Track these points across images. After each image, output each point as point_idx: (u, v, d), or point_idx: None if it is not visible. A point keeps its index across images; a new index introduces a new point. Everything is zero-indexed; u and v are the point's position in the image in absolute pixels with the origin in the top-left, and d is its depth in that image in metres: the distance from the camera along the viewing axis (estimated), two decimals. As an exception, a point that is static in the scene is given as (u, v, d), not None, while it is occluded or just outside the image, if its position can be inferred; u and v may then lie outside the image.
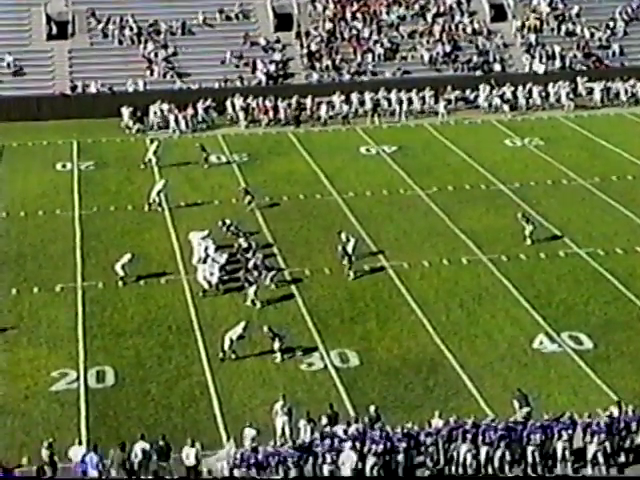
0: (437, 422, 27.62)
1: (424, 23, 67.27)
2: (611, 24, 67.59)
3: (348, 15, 67.36)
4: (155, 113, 58.26)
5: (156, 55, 63.37)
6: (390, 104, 60.21)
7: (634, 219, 43.33)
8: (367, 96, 59.74)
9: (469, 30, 66.94)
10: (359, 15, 67.32)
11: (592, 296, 36.54)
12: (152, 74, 62.44)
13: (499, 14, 69.00)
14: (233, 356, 32.31)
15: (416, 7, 68.35)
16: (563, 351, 32.94)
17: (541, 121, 59.10)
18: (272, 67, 63.24)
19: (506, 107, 60.09)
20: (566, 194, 46.76)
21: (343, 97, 59.55)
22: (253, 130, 57.83)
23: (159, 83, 62.03)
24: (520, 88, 61.23)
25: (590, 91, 62.32)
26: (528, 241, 40.83)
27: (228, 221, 41.53)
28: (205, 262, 38.02)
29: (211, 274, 37.23)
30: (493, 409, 29.18)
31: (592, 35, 66.76)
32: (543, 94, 61.45)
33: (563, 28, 67.39)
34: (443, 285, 37.68)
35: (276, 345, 32.69)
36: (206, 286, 37.11)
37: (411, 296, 36.71)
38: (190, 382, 31.34)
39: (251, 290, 36.50)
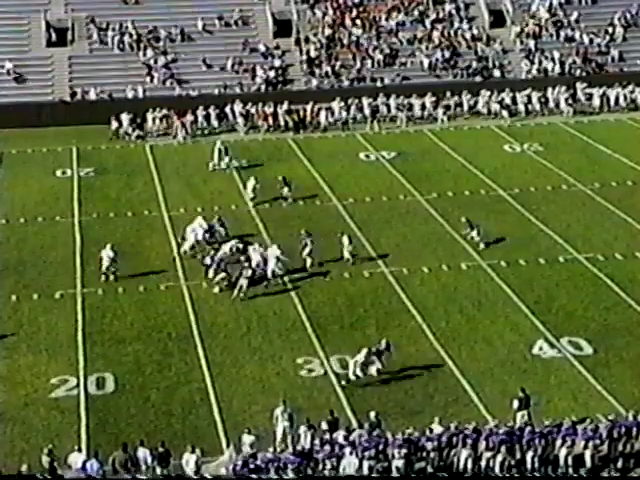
0: (437, 428, 27.65)
1: (423, 29, 67.31)
2: (610, 30, 67.62)
3: (347, 21, 67.40)
4: (153, 120, 58.27)
5: (155, 62, 63.43)
6: (389, 110, 60.26)
7: (634, 224, 43.35)
8: (365, 102, 59.77)
9: (468, 36, 66.98)
10: (358, 21, 67.34)
11: (592, 302, 36.56)
12: (152, 81, 62.47)
13: (498, 20, 69.04)
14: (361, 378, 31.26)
15: (415, 13, 68.39)
16: (563, 357, 32.96)
17: (540, 127, 59.13)
18: (272, 73, 63.29)
19: (505, 113, 60.12)
20: (566, 200, 46.78)
21: (343, 103, 59.57)
22: (253, 136, 57.86)
23: (159, 90, 62.07)
24: (519, 94, 61.27)
25: (589, 97, 62.35)
26: (482, 245, 41.02)
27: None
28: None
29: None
30: (493, 415, 29.18)
31: (591, 41, 66.80)
32: (542, 100, 61.48)
33: (562, 34, 67.44)
34: (443, 291, 37.70)
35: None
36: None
37: (411, 302, 36.72)
38: (190, 388, 31.35)
39: (244, 281, 37.09)
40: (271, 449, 27.02)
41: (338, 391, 30.98)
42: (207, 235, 41.04)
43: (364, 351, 31.37)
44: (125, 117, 57.71)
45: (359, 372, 31.20)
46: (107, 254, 38.66)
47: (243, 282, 37.34)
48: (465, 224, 41.96)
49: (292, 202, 46.23)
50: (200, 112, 58.54)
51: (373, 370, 31.22)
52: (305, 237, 39.88)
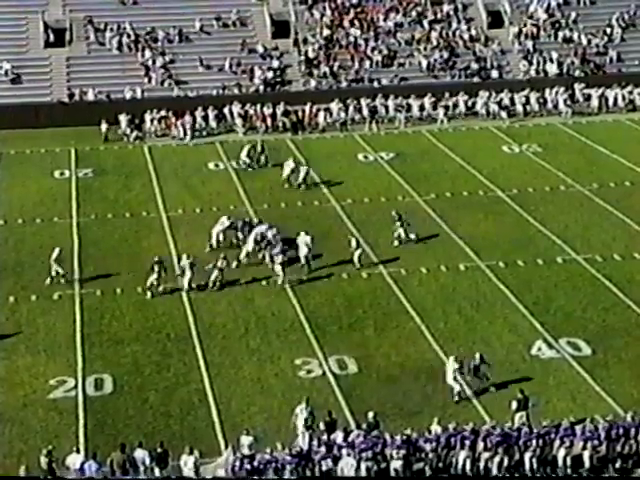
0: (436, 429, 27.64)
1: (421, 30, 67.34)
2: (608, 30, 67.68)
3: (345, 22, 67.43)
4: (152, 121, 58.25)
5: (154, 62, 63.42)
6: (388, 111, 60.28)
7: (632, 225, 43.36)
8: (364, 103, 59.78)
9: (466, 37, 67.01)
10: (356, 22, 67.37)
11: (590, 302, 36.56)
12: (150, 82, 62.48)
13: (496, 21, 69.09)
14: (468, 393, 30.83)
15: (413, 14, 68.42)
16: (561, 357, 32.96)
17: (539, 127, 59.15)
18: (270, 74, 63.28)
19: (504, 114, 60.14)
20: (564, 200, 46.80)
21: (341, 104, 59.56)
22: (251, 137, 57.85)
23: (157, 90, 62.06)
24: (517, 94, 61.30)
25: (588, 97, 62.37)
26: (395, 242, 41.27)
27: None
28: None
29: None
30: (491, 416, 29.15)
31: (589, 42, 66.85)
32: (541, 100, 61.50)
33: (560, 35, 67.50)
34: (441, 291, 37.70)
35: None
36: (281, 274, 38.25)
37: (409, 303, 36.72)
38: (188, 389, 31.33)
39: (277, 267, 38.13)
40: (268, 450, 26.96)
41: (336, 392, 30.96)
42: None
43: (452, 360, 31.02)
44: (123, 118, 57.70)
45: (467, 390, 30.69)
46: (55, 258, 38.41)
47: (278, 269, 38.03)
48: (394, 217, 41.90)
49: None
50: (198, 113, 58.54)
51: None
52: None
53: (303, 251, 39.46)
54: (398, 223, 41.71)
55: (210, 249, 40.83)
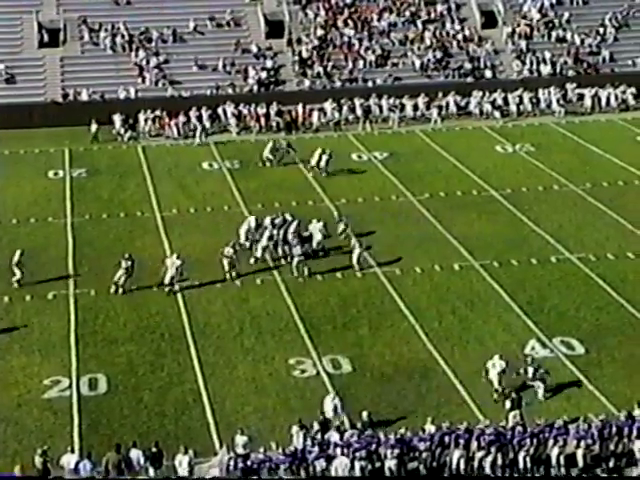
0: (430, 428, 27.70)
1: (415, 30, 67.43)
2: (601, 30, 67.83)
3: (339, 22, 67.49)
4: (146, 120, 58.25)
5: (147, 62, 63.42)
6: (382, 111, 60.35)
7: (625, 225, 43.47)
8: (357, 103, 59.84)
9: (460, 37, 67.10)
10: (350, 22, 67.44)
11: (584, 302, 36.65)
12: (144, 82, 62.48)
13: (489, 21, 69.20)
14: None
15: (407, 14, 68.51)
16: (555, 357, 33.03)
17: (532, 127, 59.26)
18: (264, 74, 63.32)
19: (497, 113, 60.23)
20: (557, 200, 46.90)
21: (335, 104, 59.62)
22: (245, 137, 57.88)
23: (151, 90, 62.06)
24: (511, 94, 61.40)
25: (581, 97, 62.49)
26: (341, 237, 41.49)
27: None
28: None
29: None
30: (485, 415, 29.23)
31: (582, 41, 66.99)
32: (534, 100, 61.62)
33: (553, 34, 67.63)
34: (435, 291, 37.76)
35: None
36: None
37: (403, 302, 36.78)
38: (183, 389, 31.35)
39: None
40: (262, 449, 27.00)
41: (331, 391, 30.97)
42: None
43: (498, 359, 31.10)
44: (117, 118, 57.70)
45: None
46: (16, 260, 38.39)
47: (298, 260, 38.67)
48: (338, 216, 42.10)
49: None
50: (192, 113, 58.57)
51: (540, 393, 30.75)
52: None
53: (317, 238, 40.57)
54: (340, 220, 42.07)
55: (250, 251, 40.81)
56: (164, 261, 38.56)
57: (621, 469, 27.48)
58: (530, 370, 30.97)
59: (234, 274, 38.70)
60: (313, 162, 50.72)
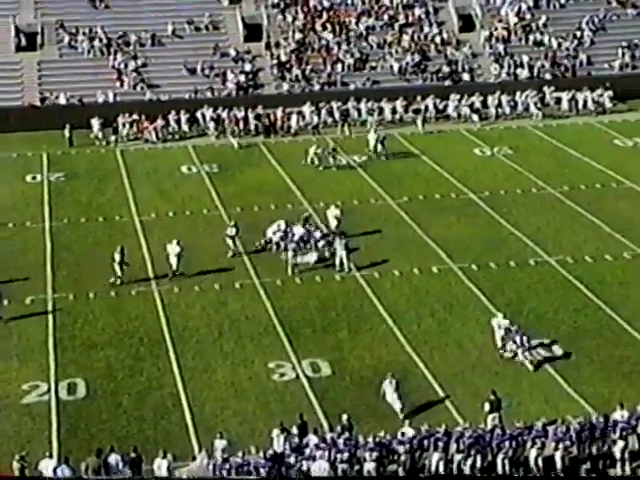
0: (409, 431, 27.74)
1: (393, 33, 67.55)
2: (578, 34, 68.11)
3: (318, 26, 67.54)
4: (124, 124, 58.12)
5: (126, 66, 63.30)
6: (360, 114, 60.43)
7: (602, 227, 43.67)
8: (335, 106, 59.90)
9: (438, 40, 67.28)
10: (328, 25, 67.50)
11: (562, 304, 36.79)
12: (122, 85, 62.37)
13: (467, 24, 69.40)
14: None
15: (385, 17, 68.64)
16: (533, 359, 33.12)
17: (510, 130, 59.44)
18: (242, 78, 63.31)
19: (475, 117, 60.40)
20: (535, 203, 47.06)
21: (313, 107, 59.65)
22: (224, 141, 57.85)
23: (129, 94, 61.94)
24: (489, 97, 61.60)
25: (558, 100, 62.75)
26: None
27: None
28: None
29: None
30: (464, 417, 29.30)
31: (559, 45, 67.27)
32: (512, 103, 61.83)
33: (531, 38, 67.89)
34: (414, 294, 37.83)
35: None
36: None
37: (382, 305, 36.83)
38: (162, 393, 31.30)
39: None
40: (240, 454, 26.95)
41: (310, 395, 31.02)
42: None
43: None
44: (95, 122, 57.49)
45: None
46: None
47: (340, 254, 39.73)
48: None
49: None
50: (171, 117, 58.50)
51: None
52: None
53: (333, 224, 42.44)
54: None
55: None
56: (165, 247, 39.40)
57: (600, 470, 27.58)
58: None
59: (235, 253, 40.31)
60: (371, 146, 53.78)
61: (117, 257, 38.52)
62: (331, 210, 43.32)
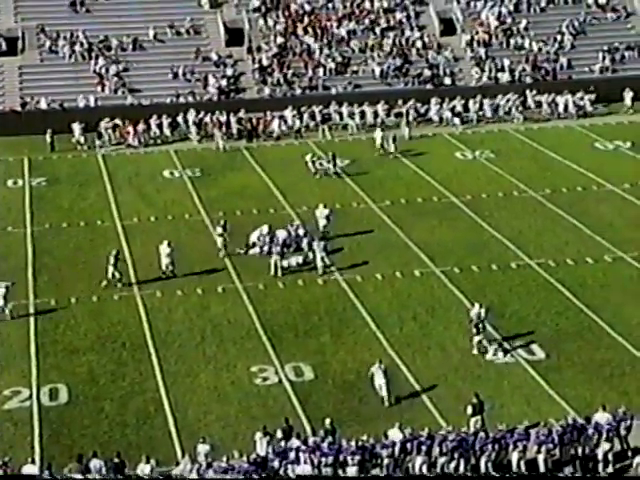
0: (395, 434, 27.73)
1: (374, 37, 67.64)
2: (558, 37, 68.37)
3: (299, 30, 67.57)
4: (106, 129, 57.98)
5: (107, 71, 63.18)
6: (342, 118, 60.47)
7: (584, 230, 43.83)
8: (317, 110, 59.92)
9: (419, 44, 67.39)
10: (310, 30, 67.54)
11: (544, 307, 36.91)
12: (103, 90, 62.23)
13: (448, 28, 69.54)
14: None
15: (366, 21, 68.72)
16: (515, 362, 33.23)
17: (491, 134, 59.60)
18: (224, 82, 63.29)
19: (457, 120, 60.51)
20: (517, 206, 47.20)
21: (295, 111, 59.67)
22: (206, 145, 57.80)
23: (110, 99, 61.82)
24: (471, 101, 61.76)
25: (539, 104, 62.95)
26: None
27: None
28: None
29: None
30: (447, 420, 29.36)
31: (540, 49, 67.48)
32: (493, 107, 61.98)
33: (512, 42, 68.10)
34: (396, 297, 37.88)
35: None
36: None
37: (365, 309, 36.87)
38: (144, 398, 31.25)
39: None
40: (224, 458, 26.92)
41: (293, 399, 31.02)
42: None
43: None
44: (77, 127, 57.34)
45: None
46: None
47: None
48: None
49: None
50: (153, 121, 58.41)
51: None
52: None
53: (322, 223, 42.81)
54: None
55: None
56: (158, 248, 39.80)
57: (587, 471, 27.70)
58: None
59: (225, 252, 40.61)
60: (377, 144, 54.91)
61: (112, 260, 38.65)
62: (320, 210, 43.46)
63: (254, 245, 41.56)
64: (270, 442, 27.58)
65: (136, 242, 43.04)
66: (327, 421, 28.40)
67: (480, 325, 33.92)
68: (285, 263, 39.97)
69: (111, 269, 38.68)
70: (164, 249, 39.65)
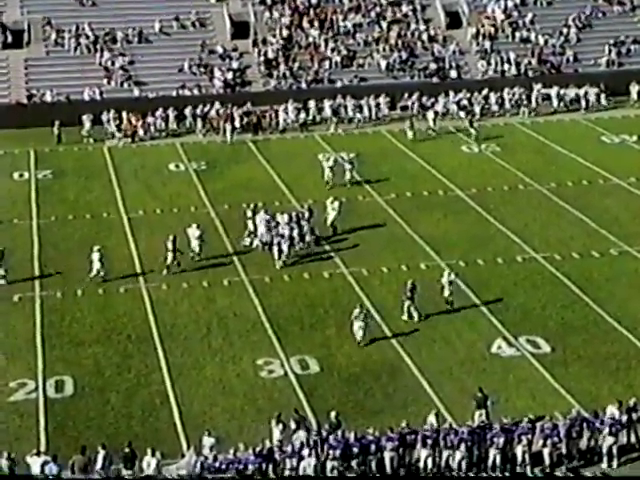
0: (433, 420, 27.75)
1: (380, 30, 67.57)
2: (565, 31, 68.26)
3: (305, 23, 67.50)
4: (109, 121, 57.96)
5: (113, 64, 63.18)
6: (347, 111, 60.42)
7: (589, 223, 43.80)
8: (327, 103, 59.83)
9: (425, 37, 67.31)
10: (316, 23, 67.47)
11: (549, 300, 36.90)
12: (109, 83, 62.22)
13: (454, 21, 69.47)
14: None
15: (372, 15, 68.64)
16: (521, 355, 33.24)
17: (497, 127, 59.52)
18: (229, 75, 63.26)
19: (462, 113, 60.42)
20: (522, 199, 47.17)
21: (301, 105, 59.62)
22: (211, 138, 57.80)
23: (116, 92, 61.82)
24: (476, 94, 61.67)
25: (545, 97, 62.85)
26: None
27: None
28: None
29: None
30: (452, 414, 29.39)
31: (546, 42, 67.38)
32: (499, 100, 61.89)
33: (517, 35, 68.00)
34: (402, 291, 37.81)
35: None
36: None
37: (370, 302, 36.86)
38: (150, 391, 31.29)
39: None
40: (231, 450, 26.97)
41: (298, 392, 31.05)
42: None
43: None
44: (86, 119, 57.29)
45: None
46: None
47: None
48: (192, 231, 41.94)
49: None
50: (159, 114, 58.40)
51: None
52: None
53: (331, 216, 42.73)
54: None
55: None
56: (185, 231, 40.11)
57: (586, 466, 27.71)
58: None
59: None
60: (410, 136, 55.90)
61: (170, 246, 38.90)
62: (330, 202, 43.21)
63: (256, 232, 41.41)
64: (283, 432, 27.56)
65: (141, 234, 43.07)
66: (332, 414, 28.43)
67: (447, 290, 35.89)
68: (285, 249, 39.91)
69: (170, 255, 38.81)
70: (193, 232, 39.98)
